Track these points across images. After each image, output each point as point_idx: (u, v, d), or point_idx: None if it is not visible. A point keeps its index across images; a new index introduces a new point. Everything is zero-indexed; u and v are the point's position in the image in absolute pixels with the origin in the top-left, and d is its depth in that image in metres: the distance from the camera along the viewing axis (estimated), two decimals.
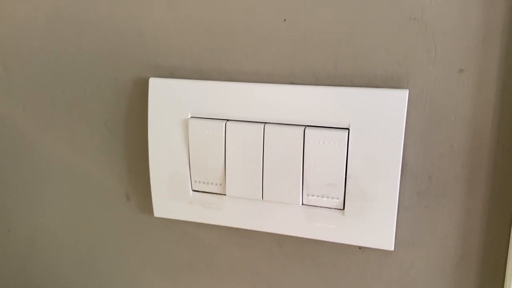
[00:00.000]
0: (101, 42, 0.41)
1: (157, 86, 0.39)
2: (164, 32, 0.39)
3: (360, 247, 0.38)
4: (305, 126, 0.36)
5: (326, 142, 0.35)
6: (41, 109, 0.45)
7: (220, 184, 0.39)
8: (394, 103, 0.34)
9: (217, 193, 0.40)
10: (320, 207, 0.37)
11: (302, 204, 0.37)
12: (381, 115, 0.34)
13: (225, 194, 0.39)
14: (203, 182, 0.40)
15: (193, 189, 0.40)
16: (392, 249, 0.36)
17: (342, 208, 0.36)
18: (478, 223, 0.35)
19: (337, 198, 0.36)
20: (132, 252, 0.46)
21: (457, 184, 0.35)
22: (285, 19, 0.36)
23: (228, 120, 0.38)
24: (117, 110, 0.42)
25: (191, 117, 0.39)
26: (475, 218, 0.35)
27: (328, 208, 0.37)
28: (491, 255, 0.35)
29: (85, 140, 0.45)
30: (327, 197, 0.36)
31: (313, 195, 0.37)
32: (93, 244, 0.48)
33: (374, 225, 0.36)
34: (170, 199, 0.41)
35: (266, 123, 0.37)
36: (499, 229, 0.35)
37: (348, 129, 0.35)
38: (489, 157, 0.34)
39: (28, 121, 0.46)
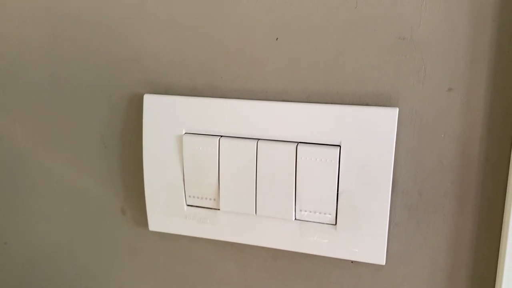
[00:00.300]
0: (97, 59, 0.42)
1: (152, 102, 0.40)
2: (159, 50, 0.40)
3: (352, 262, 0.39)
4: (298, 142, 0.36)
5: (318, 159, 0.36)
6: (38, 125, 0.46)
7: (214, 199, 0.40)
8: (384, 121, 0.34)
9: (211, 208, 0.40)
10: (313, 222, 0.37)
11: (295, 219, 0.38)
12: (372, 133, 0.35)
13: (219, 209, 0.40)
14: (197, 197, 0.40)
15: (188, 203, 0.41)
16: (384, 263, 0.37)
17: (334, 223, 0.37)
18: (467, 238, 0.36)
19: (330, 214, 0.37)
20: (127, 265, 0.47)
21: (447, 200, 0.36)
22: (277, 38, 0.36)
23: (222, 136, 0.38)
24: (113, 125, 0.43)
25: (185, 133, 0.39)
26: (465, 234, 0.36)
27: (321, 223, 0.37)
28: (480, 270, 0.36)
29: (81, 156, 0.45)
30: (320, 213, 0.37)
31: (305, 211, 0.37)
32: (90, 257, 0.48)
33: (366, 240, 0.37)
34: (165, 214, 0.42)
35: (259, 139, 0.37)
36: (488, 244, 0.35)
37: (339, 146, 0.35)
38: (477, 174, 0.34)
39: (25, 137, 0.47)
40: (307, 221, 0.38)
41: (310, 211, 0.37)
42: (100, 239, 0.47)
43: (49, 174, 0.47)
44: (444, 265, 0.37)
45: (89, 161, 0.45)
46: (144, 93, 0.40)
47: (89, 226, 0.47)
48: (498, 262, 0.35)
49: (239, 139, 0.38)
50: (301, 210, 0.37)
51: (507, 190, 0.34)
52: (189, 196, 0.40)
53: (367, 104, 0.35)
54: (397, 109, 0.34)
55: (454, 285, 0.37)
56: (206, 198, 0.40)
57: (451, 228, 0.36)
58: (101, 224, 0.46)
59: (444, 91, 0.34)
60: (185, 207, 0.41)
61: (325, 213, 0.37)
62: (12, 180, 0.49)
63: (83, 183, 0.46)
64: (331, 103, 0.36)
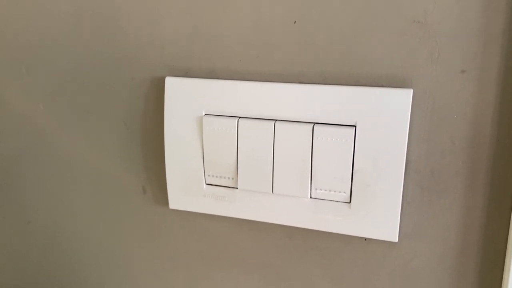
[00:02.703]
0: (119, 44, 0.43)
1: (173, 85, 0.41)
2: (179, 34, 0.41)
3: (365, 239, 0.40)
4: (314, 123, 0.38)
5: (333, 139, 0.37)
6: (61, 108, 0.47)
7: (232, 178, 0.41)
8: (399, 102, 0.36)
9: (229, 187, 0.42)
10: (328, 200, 0.39)
11: (311, 197, 0.39)
12: (386, 113, 0.36)
13: (237, 188, 0.41)
14: (216, 176, 0.42)
15: (207, 182, 0.42)
16: (396, 240, 0.38)
17: (348, 201, 0.38)
18: (478, 217, 0.37)
19: (344, 192, 0.38)
20: (147, 243, 0.48)
21: (458, 179, 0.37)
22: (295, 22, 0.38)
23: (240, 117, 0.40)
24: (135, 108, 0.45)
25: (205, 114, 0.41)
26: (475, 212, 0.37)
27: (335, 201, 0.39)
28: (490, 247, 0.37)
29: (103, 137, 0.47)
30: (334, 191, 0.38)
31: (321, 189, 0.39)
32: (110, 236, 0.50)
33: (379, 218, 0.38)
34: (184, 192, 0.43)
35: (276, 120, 0.39)
36: (498, 222, 0.36)
37: (355, 126, 0.37)
38: (488, 154, 0.36)
39: (49, 119, 0.48)
40: (322, 199, 0.39)
41: (325, 190, 0.39)
42: (121, 217, 0.49)
43: (72, 155, 0.49)
44: (455, 243, 0.38)
45: (111, 142, 0.46)
46: (165, 76, 0.42)
47: (110, 205, 0.49)
48: (508, 239, 0.36)
49: (257, 120, 0.39)
50: (316, 189, 0.39)
51: None
52: (208, 175, 0.42)
53: (381, 86, 0.37)
54: (411, 90, 0.35)
55: (465, 262, 0.38)
56: (224, 177, 0.41)
57: (462, 207, 0.37)
58: (123, 203, 0.48)
59: (457, 73, 0.35)
60: (204, 186, 0.42)
61: (339, 192, 0.38)
62: (35, 161, 0.50)
63: (105, 163, 0.47)
64: (347, 85, 0.37)
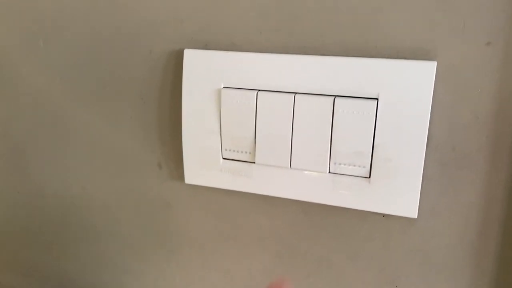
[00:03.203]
0: (137, 16, 0.43)
1: (191, 58, 0.41)
2: (198, 7, 0.41)
3: (384, 215, 0.40)
4: (335, 96, 0.37)
5: (355, 112, 0.37)
6: (78, 81, 0.47)
7: (250, 153, 0.41)
8: (422, 75, 0.35)
9: (246, 161, 0.41)
10: (347, 175, 0.38)
11: (329, 172, 0.39)
12: (409, 86, 0.35)
13: (254, 162, 0.41)
14: (233, 151, 0.41)
15: (224, 157, 0.42)
16: (416, 217, 0.38)
17: (368, 176, 0.38)
18: (500, 194, 0.36)
19: (364, 167, 0.38)
20: (162, 218, 0.48)
21: (481, 156, 0.36)
22: None
23: (259, 90, 0.39)
24: (152, 82, 0.44)
25: (224, 87, 0.40)
26: (497, 189, 0.36)
27: (355, 176, 0.38)
28: None
29: (120, 111, 0.47)
30: (354, 165, 0.38)
31: (340, 163, 0.38)
32: (125, 210, 0.50)
33: (398, 193, 0.37)
34: (201, 167, 0.43)
35: (296, 93, 0.38)
36: None
37: (377, 99, 0.36)
38: None
39: (65, 93, 0.48)
40: (341, 174, 0.39)
41: (345, 164, 0.38)
42: (136, 192, 0.48)
43: (87, 129, 0.48)
44: (476, 221, 0.37)
45: (128, 116, 0.46)
46: (183, 49, 0.41)
47: (125, 181, 0.49)
48: None
49: (276, 93, 0.39)
50: (335, 163, 0.38)
51: None
52: (225, 150, 0.42)
53: (405, 58, 0.36)
54: (435, 63, 0.35)
55: (485, 240, 0.38)
56: (242, 152, 0.41)
57: (484, 184, 0.37)
58: (138, 177, 0.48)
59: (483, 45, 0.34)
60: (221, 160, 0.42)
61: (359, 166, 0.38)
62: (51, 135, 0.50)
63: (121, 138, 0.47)
64: (369, 57, 0.37)
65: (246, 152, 0.41)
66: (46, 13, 0.46)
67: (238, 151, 0.41)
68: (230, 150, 0.42)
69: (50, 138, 0.51)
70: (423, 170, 0.37)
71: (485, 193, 0.37)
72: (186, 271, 0.49)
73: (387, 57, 0.36)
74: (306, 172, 0.40)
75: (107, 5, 0.44)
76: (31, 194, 0.54)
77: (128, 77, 0.45)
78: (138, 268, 0.52)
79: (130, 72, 0.45)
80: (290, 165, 0.40)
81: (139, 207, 0.49)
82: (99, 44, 0.45)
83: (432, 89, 0.35)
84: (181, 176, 0.45)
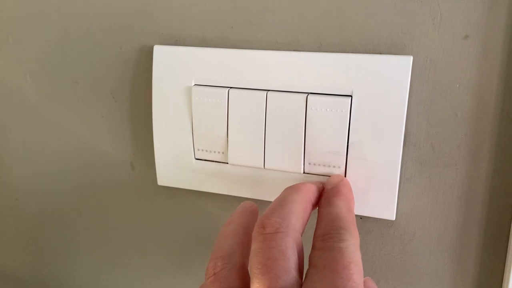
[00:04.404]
0: (107, 11, 0.42)
1: (161, 54, 0.39)
2: (169, 1, 0.39)
3: (361, 217, 0.38)
4: (308, 93, 0.36)
5: (328, 109, 0.35)
6: (48, 78, 0.46)
7: (223, 153, 0.39)
8: (398, 70, 0.33)
9: (219, 161, 0.40)
10: (322, 175, 0.37)
11: (304, 172, 0.37)
12: (384, 82, 0.34)
13: (227, 163, 0.39)
14: (206, 150, 0.40)
15: (196, 157, 0.40)
16: (394, 219, 0.36)
17: (343, 176, 0.36)
18: (481, 193, 0.35)
19: (339, 167, 0.36)
20: (136, 220, 0.47)
21: (460, 153, 0.35)
22: None
23: (231, 87, 0.38)
24: (123, 79, 0.43)
25: (195, 84, 0.39)
26: (478, 188, 0.35)
27: (330, 176, 0.37)
28: (493, 226, 0.35)
29: (91, 110, 0.45)
30: (329, 166, 0.36)
31: (314, 164, 0.37)
32: (98, 212, 0.48)
33: (376, 194, 0.36)
34: (173, 168, 0.41)
35: (268, 90, 0.37)
36: (502, 199, 0.34)
37: (351, 96, 0.35)
38: (493, 126, 0.33)
39: (35, 91, 0.47)
40: (316, 174, 0.37)
41: (319, 164, 0.37)
42: (109, 194, 0.47)
43: (59, 128, 0.47)
44: (456, 221, 0.36)
45: (99, 115, 0.45)
46: (154, 45, 0.40)
47: (98, 182, 0.47)
48: None
49: (248, 90, 0.37)
50: (309, 163, 0.37)
51: None
52: (198, 150, 0.40)
53: (380, 53, 0.34)
54: (411, 57, 0.33)
55: (466, 241, 0.36)
56: (214, 152, 0.40)
57: (464, 183, 0.35)
58: (110, 178, 0.46)
59: (460, 39, 0.33)
60: (194, 161, 0.40)
61: (334, 166, 0.36)
62: (21, 134, 0.49)
63: (93, 137, 0.46)
64: (343, 52, 0.35)
65: (219, 152, 0.39)
66: (15, 9, 0.45)
67: (210, 151, 0.40)
68: (202, 150, 0.40)
69: (21, 138, 0.49)
70: (401, 169, 0.36)
71: (466, 193, 0.35)
72: (162, 275, 0.48)
73: (363, 52, 0.35)
74: (280, 172, 0.38)
75: (77, 0, 0.42)
76: (4, 197, 0.52)
77: (99, 74, 0.44)
78: (111, 272, 0.50)
79: (101, 69, 0.43)
80: (264, 165, 0.38)
81: (113, 208, 0.47)
82: (69, 40, 0.44)
83: (408, 84, 0.33)
84: (154, 177, 0.44)
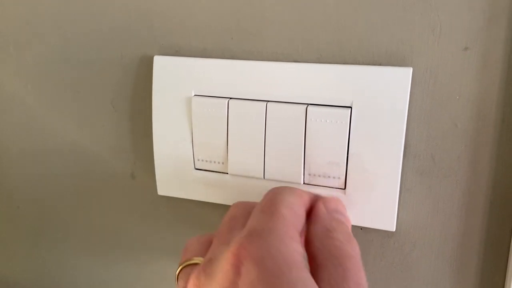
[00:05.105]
0: (108, 21, 0.42)
1: (161, 64, 0.40)
2: (170, 11, 0.39)
3: (361, 228, 0.38)
4: (308, 104, 0.36)
5: (328, 120, 0.35)
6: (49, 87, 0.46)
7: (223, 163, 0.39)
8: (397, 81, 0.33)
9: (219, 172, 0.40)
10: (322, 186, 0.37)
11: (304, 183, 0.37)
12: (384, 93, 0.34)
13: (227, 173, 0.39)
14: (206, 161, 0.40)
15: (196, 167, 0.40)
16: (394, 230, 0.36)
17: (343, 187, 0.36)
18: (481, 204, 0.35)
19: (339, 178, 0.36)
20: (136, 229, 0.47)
21: (461, 164, 0.35)
22: None
23: (231, 98, 0.38)
24: (123, 88, 0.43)
25: (195, 95, 0.39)
26: (478, 199, 0.35)
27: (330, 187, 0.37)
28: (494, 236, 0.35)
29: (91, 119, 0.45)
30: (329, 177, 0.36)
31: (314, 175, 0.37)
32: (99, 221, 0.48)
33: (375, 205, 0.36)
34: (173, 177, 0.41)
35: (268, 101, 0.37)
36: (503, 210, 0.34)
37: (350, 107, 0.35)
38: (493, 137, 0.33)
39: (36, 100, 0.47)
40: (316, 185, 0.37)
41: (319, 175, 0.37)
42: (110, 203, 0.47)
43: (59, 137, 0.47)
44: (457, 232, 0.36)
45: (100, 125, 0.45)
46: (154, 55, 0.40)
47: (98, 192, 0.47)
48: None
49: (248, 101, 0.37)
50: (309, 174, 0.37)
51: None
52: (198, 160, 0.40)
53: (380, 64, 0.34)
54: (411, 69, 0.33)
55: (467, 252, 0.36)
56: (214, 162, 0.40)
57: (465, 193, 0.35)
58: (111, 188, 0.46)
59: (460, 50, 0.33)
60: (194, 171, 0.40)
61: (334, 177, 0.36)
62: (22, 143, 0.49)
63: (93, 147, 0.46)
64: (344, 63, 0.35)
65: (219, 163, 0.39)
66: (16, 18, 0.45)
67: (211, 161, 0.40)
68: (202, 160, 0.40)
69: (20, 146, 0.49)
70: (401, 180, 0.36)
71: (466, 203, 0.35)
72: (162, 284, 0.48)
73: (363, 63, 0.35)
74: (280, 183, 0.38)
75: (78, 10, 0.42)
76: (6, 205, 0.52)
77: (99, 83, 0.44)
78: (112, 281, 0.50)
79: (101, 78, 0.43)
80: (264, 176, 0.38)
81: (113, 218, 0.47)
82: (70, 50, 0.44)
83: (408, 96, 0.33)
84: (154, 186, 0.44)
